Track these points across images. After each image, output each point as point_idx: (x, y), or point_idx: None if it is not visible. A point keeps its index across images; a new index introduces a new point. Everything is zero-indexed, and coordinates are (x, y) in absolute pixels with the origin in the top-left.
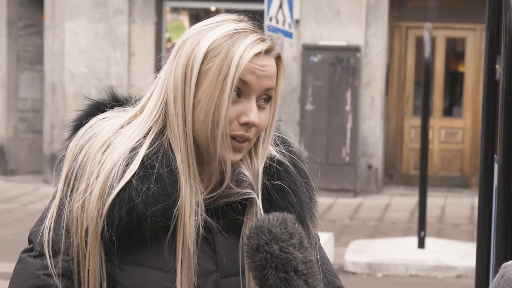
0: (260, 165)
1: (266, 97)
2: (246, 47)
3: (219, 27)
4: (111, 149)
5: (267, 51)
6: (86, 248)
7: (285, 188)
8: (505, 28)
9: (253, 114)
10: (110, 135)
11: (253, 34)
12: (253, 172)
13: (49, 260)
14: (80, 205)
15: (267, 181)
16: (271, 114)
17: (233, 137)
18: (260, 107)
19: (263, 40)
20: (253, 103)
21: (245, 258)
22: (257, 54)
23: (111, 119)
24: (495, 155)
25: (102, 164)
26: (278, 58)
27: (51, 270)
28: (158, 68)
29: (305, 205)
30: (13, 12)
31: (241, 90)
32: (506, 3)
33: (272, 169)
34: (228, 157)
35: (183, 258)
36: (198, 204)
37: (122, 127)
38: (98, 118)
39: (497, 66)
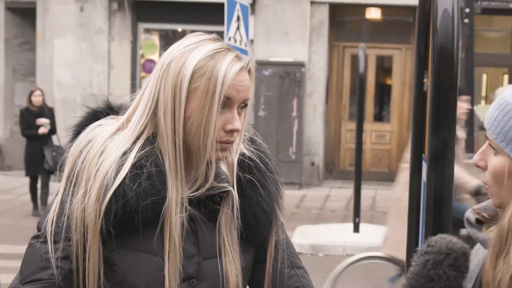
0: (234, 159)
1: (243, 105)
2: (227, 67)
3: (199, 48)
4: (105, 155)
5: (243, 68)
6: (86, 243)
7: (255, 182)
8: (433, 48)
9: (237, 122)
10: (105, 140)
11: (229, 53)
12: (228, 165)
13: (50, 247)
14: (80, 207)
15: (240, 173)
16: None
17: (220, 142)
18: (238, 114)
19: (239, 58)
20: (235, 113)
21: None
22: (237, 72)
23: (106, 125)
24: (423, 155)
25: (97, 170)
26: (249, 71)
27: (51, 255)
28: (133, 78)
29: (273, 196)
30: (10, 31)
31: (225, 103)
32: (433, 28)
33: (244, 164)
34: (217, 157)
35: (170, 250)
36: (183, 202)
37: (114, 133)
38: (95, 124)
39: (424, 80)
